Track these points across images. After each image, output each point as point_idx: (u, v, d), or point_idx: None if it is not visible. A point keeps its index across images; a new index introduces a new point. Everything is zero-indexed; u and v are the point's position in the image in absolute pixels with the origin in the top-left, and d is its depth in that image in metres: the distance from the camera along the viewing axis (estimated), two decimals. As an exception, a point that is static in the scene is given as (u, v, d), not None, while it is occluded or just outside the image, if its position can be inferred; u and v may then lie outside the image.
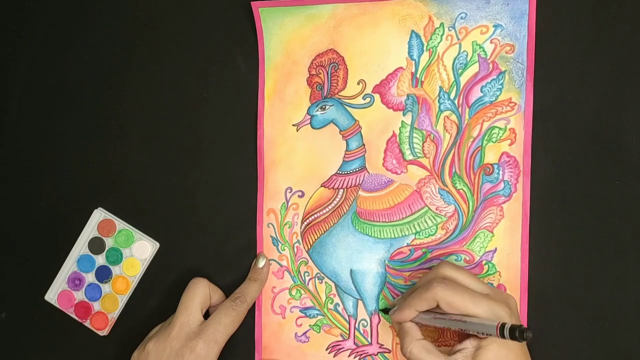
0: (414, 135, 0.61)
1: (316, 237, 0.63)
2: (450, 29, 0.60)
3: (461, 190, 0.60)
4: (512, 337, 0.48)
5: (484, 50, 0.60)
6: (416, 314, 0.55)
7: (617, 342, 0.59)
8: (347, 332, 0.63)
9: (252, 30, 0.64)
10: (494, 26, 0.60)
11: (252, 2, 0.63)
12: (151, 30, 0.66)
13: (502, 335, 0.48)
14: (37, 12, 0.68)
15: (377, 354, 0.62)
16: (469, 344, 0.52)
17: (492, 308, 0.51)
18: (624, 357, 0.59)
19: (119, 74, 0.67)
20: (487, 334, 0.50)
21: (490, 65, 0.60)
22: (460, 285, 0.53)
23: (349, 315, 0.63)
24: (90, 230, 0.66)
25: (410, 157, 0.61)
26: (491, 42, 0.60)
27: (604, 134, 0.59)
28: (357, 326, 0.63)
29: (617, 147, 0.59)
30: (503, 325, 0.48)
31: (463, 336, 0.54)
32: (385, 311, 0.61)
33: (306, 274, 0.63)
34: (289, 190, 0.64)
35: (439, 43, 0.60)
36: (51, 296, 0.67)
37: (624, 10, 0.59)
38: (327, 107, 0.62)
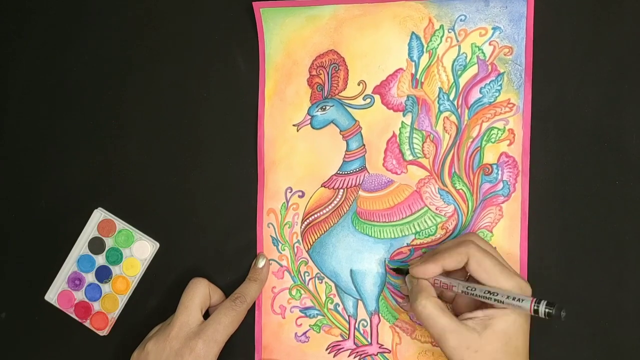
0: (414, 135, 0.61)
1: (316, 237, 0.63)
2: (450, 30, 0.60)
3: (461, 190, 0.60)
4: (549, 314, 0.48)
5: (482, 52, 0.60)
6: (441, 270, 0.54)
7: (617, 342, 0.59)
8: (347, 332, 0.63)
9: (252, 30, 0.64)
10: (492, 28, 0.60)
11: (253, 3, 0.63)
12: (151, 30, 0.66)
13: (536, 312, 0.48)
14: (37, 12, 0.68)
15: (377, 354, 0.62)
16: (480, 313, 0.52)
17: (519, 282, 0.51)
18: (624, 357, 0.59)
19: (119, 74, 0.67)
20: (515, 307, 0.50)
21: (489, 67, 0.60)
22: (491, 253, 0.53)
23: (348, 316, 0.63)
24: (90, 230, 0.66)
25: (410, 158, 0.61)
26: (490, 44, 0.60)
27: (604, 134, 0.59)
28: (357, 326, 0.63)
29: (617, 147, 0.59)
30: (539, 301, 0.48)
31: (471, 308, 0.54)
32: (398, 271, 0.61)
33: (306, 274, 0.64)
34: (289, 190, 0.64)
35: (438, 45, 0.61)
36: (51, 296, 0.67)
37: (624, 10, 0.59)
38: (327, 107, 0.63)
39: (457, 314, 0.54)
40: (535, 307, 0.48)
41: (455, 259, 0.53)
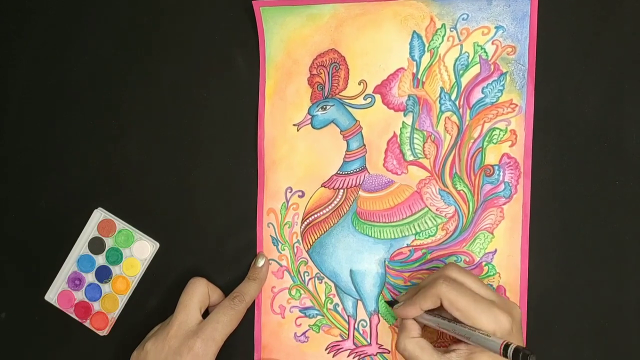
0: (415, 135, 0.61)
1: (316, 237, 0.63)
2: (452, 29, 0.60)
3: (461, 191, 0.60)
4: (515, 359, 0.46)
5: (485, 52, 0.60)
6: (420, 312, 0.54)
7: (617, 342, 0.59)
8: (347, 332, 0.63)
9: (252, 30, 0.64)
10: (495, 27, 0.60)
11: (253, 2, 0.63)
12: (151, 30, 0.66)
13: (505, 355, 0.47)
14: (37, 12, 0.68)
15: (376, 354, 0.63)
16: (463, 346, 0.52)
17: (495, 316, 0.50)
18: (624, 357, 0.59)
19: (119, 74, 0.66)
20: (488, 348, 0.49)
21: (492, 67, 0.60)
22: (466, 287, 0.52)
23: (348, 316, 0.63)
24: (90, 230, 0.66)
25: (411, 158, 0.61)
26: (492, 43, 0.60)
27: (604, 134, 0.59)
28: (356, 326, 0.63)
29: (617, 147, 0.59)
30: (507, 345, 0.47)
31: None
32: (391, 303, 0.61)
33: (306, 274, 0.64)
34: (289, 190, 0.64)
35: (440, 44, 0.60)
36: (51, 296, 0.67)
37: (624, 10, 0.59)
38: (327, 107, 0.62)
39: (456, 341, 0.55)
40: (504, 352, 0.47)
41: (430, 300, 0.53)
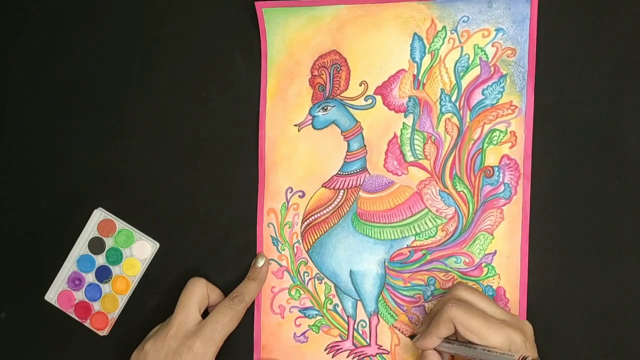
0: (415, 137, 0.61)
1: (316, 238, 0.63)
2: (453, 32, 0.60)
3: (461, 192, 0.61)
4: None
5: (485, 54, 0.60)
6: (439, 341, 0.54)
7: (617, 342, 0.59)
8: (346, 332, 0.63)
9: (253, 30, 0.64)
10: (495, 30, 0.60)
11: (255, 2, 0.63)
12: (152, 30, 0.66)
13: None
14: (37, 12, 0.68)
15: (375, 355, 0.63)
16: None
17: (508, 334, 0.50)
18: (624, 357, 0.59)
19: (119, 73, 0.66)
20: None
21: (492, 69, 0.60)
22: (476, 308, 0.52)
23: (347, 316, 0.63)
24: (90, 230, 0.66)
25: (411, 159, 0.61)
26: (493, 45, 0.60)
27: (604, 134, 0.59)
28: (355, 327, 0.63)
29: (617, 147, 0.59)
30: (524, 359, 0.47)
31: None
32: (411, 337, 0.61)
33: (306, 274, 0.64)
34: (289, 190, 0.64)
35: (441, 46, 0.61)
36: (51, 296, 0.67)
37: (624, 11, 0.59)
38: (328, 107, 0.63)
39: None
40: None
41: (443, 326, 0.53)
